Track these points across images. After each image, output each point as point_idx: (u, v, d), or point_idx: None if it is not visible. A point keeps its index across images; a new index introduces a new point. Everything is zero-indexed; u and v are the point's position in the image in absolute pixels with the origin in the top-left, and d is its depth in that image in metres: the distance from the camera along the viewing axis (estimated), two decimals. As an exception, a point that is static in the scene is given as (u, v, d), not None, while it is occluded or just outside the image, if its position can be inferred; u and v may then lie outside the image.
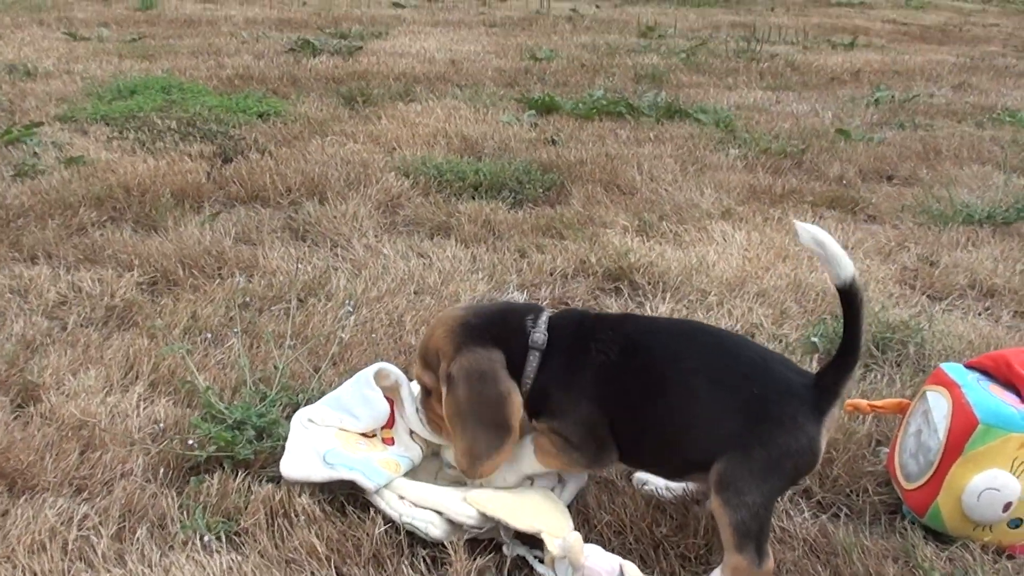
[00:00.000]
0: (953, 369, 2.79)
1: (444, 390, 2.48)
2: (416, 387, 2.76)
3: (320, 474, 2.55)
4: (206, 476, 2.64)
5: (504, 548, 2.43)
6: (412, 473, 2.67)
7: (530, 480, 2.60)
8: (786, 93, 8.39)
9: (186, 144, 5.66)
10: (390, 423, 2.77)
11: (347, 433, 2.72)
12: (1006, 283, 4.28)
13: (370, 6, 11.90)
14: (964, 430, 2.56)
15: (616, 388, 2.44)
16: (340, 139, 5.95)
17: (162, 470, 2.69)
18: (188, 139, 5.76)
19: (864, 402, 2.94)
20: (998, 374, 2.79)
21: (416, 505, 2.49)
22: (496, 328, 2.53)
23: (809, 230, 2.29)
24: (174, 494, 2.59)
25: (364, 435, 2.74)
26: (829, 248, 2.29)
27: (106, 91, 6.95)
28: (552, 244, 4.43)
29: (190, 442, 2.73)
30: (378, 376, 2.74)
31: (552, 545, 2.28)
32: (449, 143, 5.99)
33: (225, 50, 8.72)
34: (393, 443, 2.74)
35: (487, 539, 2.46)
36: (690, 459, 2.42)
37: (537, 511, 2.45)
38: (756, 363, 2.42)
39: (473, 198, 5.02)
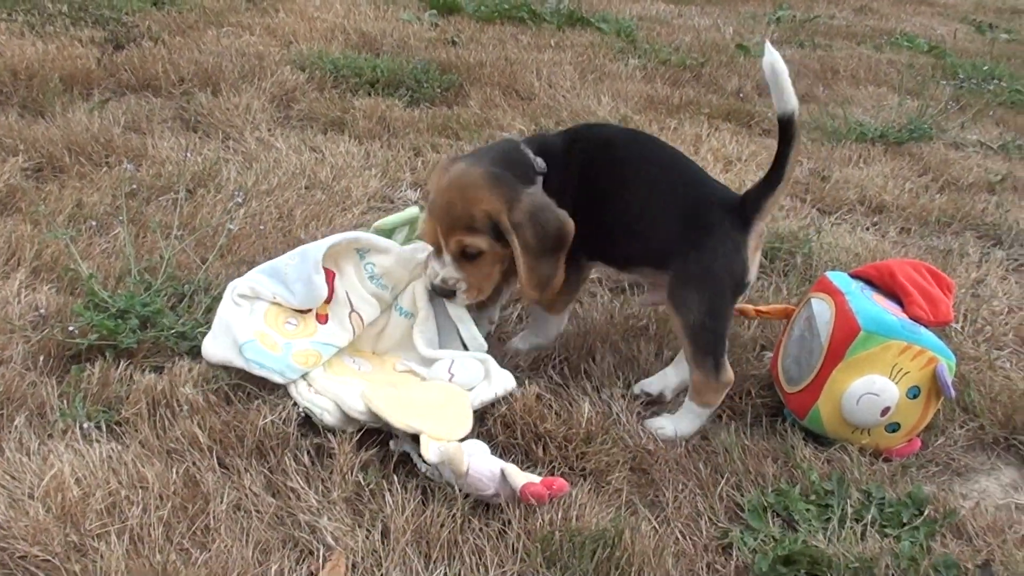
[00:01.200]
0: (838, 277, 2.84)
1: (515, 238, 2.61)
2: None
3: (237, 363, 2.58)
4: (87, 365, 2.61)
5: (391, 443, 2.44)
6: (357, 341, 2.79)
7: (451, 375, 2.66)
8: (689, 7, 8.40)
9: (77, 29, 5.48)
10: (328, 298, 2.76)
11: (279, 308, 2.74)
12: (895, 200, 4.36)
13: None
14: (846, 336, 2.62)
15: (593, 181, 2.74)
16: (236, 31, 5.82)
17: (42, 358, 2.64)
18: (79, 24, 5.57)
19: (750, 307, 3.01)
20: (882, 284, 2.86)
21: (318, 392, 2.53)
22: (516, 168, 2.69)
23: (774, 55, 2.57)
24: (54, 382, 2.55)
25: (298, 310, 2.75)
26: (782, 79, 2.57)
27: (-7, -29, 6.70)
28: (448, 144, 4.40)
29: (71, 329, 2.68)
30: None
31: (427, 450, 2.32)
32: (347, 39, 5.90)
33: (121, -66, 8.46)
34: (327, 321, 2.77)
35: (377, 433, 2.46)
36: (641, 249, 2.75)
37: (428, 410, 2.47)
38: (697, 176, 2.79)
39: (369, 95, 4.96)
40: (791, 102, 2.58)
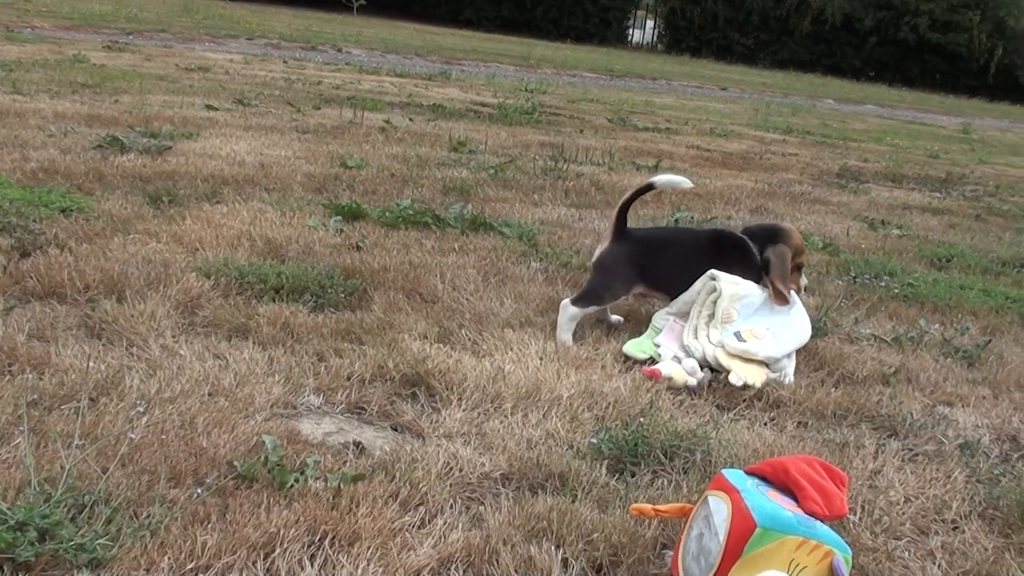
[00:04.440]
0: (733, 475, 2.91)
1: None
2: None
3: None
4: (-18, 579, 2.57)
5: None
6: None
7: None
8: (589, 211, 8.59)
9: (-18, 237, 5.50)
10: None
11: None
12: (792, 395, 4.47)
13: (183, 107, 11.77)
14: (743, 533, 2.67)
15: None
16: (143, 238, 5.86)
17: (-65, 573, 2.60)
18: (-16, 232, 5.61)
19: (649, 507, 3.05)
20: (776, 480, 2.93)
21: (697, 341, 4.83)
22: None
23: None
24: (-53, 598, 2.51)
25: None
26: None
27: (-101, 180, 6.71)
28: (351, 349, 4.45)
29: (-33, 543, 2.65)
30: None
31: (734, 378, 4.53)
32: (253, 245, 5.96)
33: (31, 143, 8.48)
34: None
35: None
36: None
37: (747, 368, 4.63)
38: None
39: (274, 300, 5.01)
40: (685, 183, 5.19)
